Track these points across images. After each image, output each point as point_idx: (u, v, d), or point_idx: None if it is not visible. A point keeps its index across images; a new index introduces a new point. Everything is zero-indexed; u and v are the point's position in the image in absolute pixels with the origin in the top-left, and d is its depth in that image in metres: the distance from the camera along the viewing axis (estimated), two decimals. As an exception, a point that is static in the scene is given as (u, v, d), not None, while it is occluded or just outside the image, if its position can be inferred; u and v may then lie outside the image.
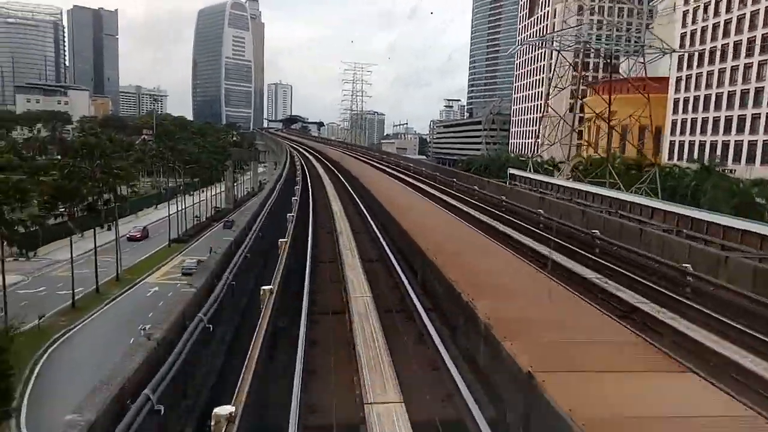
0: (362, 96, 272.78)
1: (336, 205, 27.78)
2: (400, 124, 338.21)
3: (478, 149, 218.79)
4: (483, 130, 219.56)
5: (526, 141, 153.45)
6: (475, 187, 36.99)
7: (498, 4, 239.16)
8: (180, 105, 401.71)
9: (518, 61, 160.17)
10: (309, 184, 35.99)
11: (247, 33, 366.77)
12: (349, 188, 36.20)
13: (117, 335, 33.28)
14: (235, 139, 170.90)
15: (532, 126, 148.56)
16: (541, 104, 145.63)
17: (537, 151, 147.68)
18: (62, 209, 52.30)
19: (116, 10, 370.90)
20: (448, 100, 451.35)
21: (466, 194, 35.57)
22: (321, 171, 46.98)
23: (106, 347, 30.27)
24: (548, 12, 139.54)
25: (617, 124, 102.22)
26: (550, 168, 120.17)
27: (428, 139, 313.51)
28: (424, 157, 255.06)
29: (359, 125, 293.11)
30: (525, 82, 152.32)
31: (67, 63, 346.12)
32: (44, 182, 53.12)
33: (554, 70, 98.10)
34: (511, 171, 67.25)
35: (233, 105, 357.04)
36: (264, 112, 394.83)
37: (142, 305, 42.31)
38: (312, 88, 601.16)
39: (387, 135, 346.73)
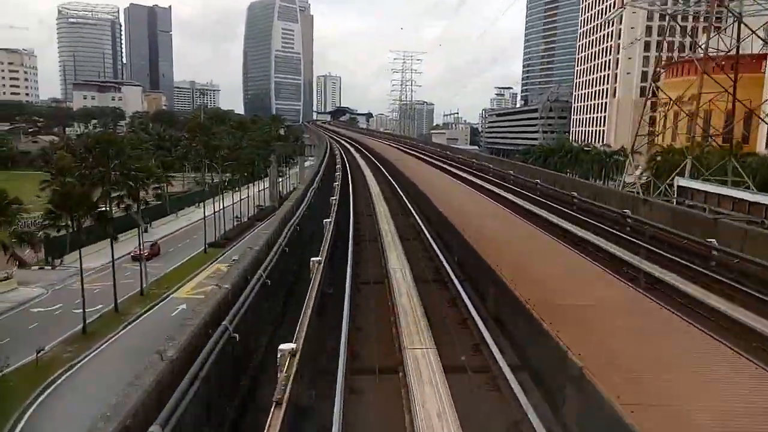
0: (411, 85, 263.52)
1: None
2: (450, 114, 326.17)
3: (534, 138, 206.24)
4: (540, 118, 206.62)
5: (590, 129, 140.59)
6: (574, 194, 27.39)
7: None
8: (232, 99, 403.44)
9: (581, 43, 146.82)
10: (350, 192, 27.82)
11: (296, 25, 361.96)
12: (401, 194, 27.76)
13: (128, 370, 26.13)
14: (282, 132, 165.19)
15: (598, 112, 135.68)
16: (607, 89, 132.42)
17: (603, 140, 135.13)
18: (67, 221, 45.37)
19: (170, 6, 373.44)
20: (500, 88, 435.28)
21: (565, 204, 26.20)
22: (368, 174, 38.39)
23: (113, 387, 23.14)
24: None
25: (698, 107, 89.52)
26: (622, 159, 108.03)
27: (480, 129, 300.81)
28: (476, 147, 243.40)
29: (408, 115, 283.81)
30: (589, 65, 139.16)
31: (124, 60, 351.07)
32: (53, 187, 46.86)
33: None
34: (681, 183, 43.26)
35: (283, 98, 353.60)
36: (313, 104, 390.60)
37: (164, 327, 34.99)
38: (361, 80, 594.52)
39: (436, 125, 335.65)
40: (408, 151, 62.67)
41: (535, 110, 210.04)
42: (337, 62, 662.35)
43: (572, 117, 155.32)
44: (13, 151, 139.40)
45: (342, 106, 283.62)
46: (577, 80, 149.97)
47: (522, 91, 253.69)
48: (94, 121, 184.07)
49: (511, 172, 41.00)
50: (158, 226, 71.50)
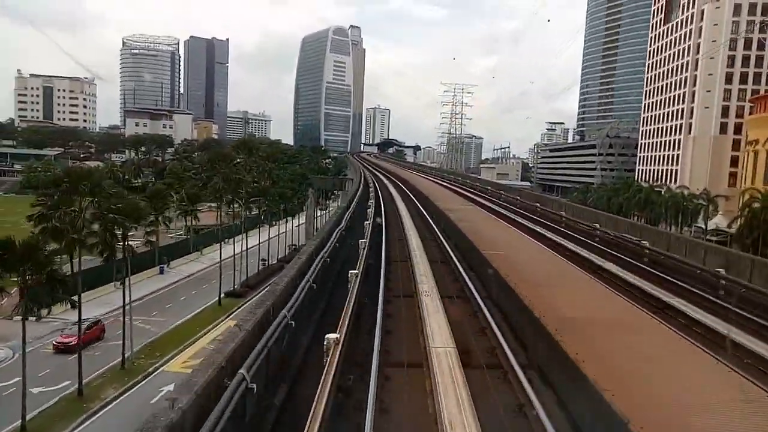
0: (461, 118, 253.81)
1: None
2: (501, 148, 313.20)
3: (590, 176, 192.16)
4: (598, 154, 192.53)
5: (659, 168, 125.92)
6: (644, 243, 16.61)
7: (614, 20, 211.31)
8: (283, 130, 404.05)
9: (650, 75, 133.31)
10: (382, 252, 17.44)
11: (347, 58, 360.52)
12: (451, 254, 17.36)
13: None
14: (328, 163, 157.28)
15: (669, 150, 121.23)
16: (681, 124, 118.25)
17: (675, 180, 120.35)
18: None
19: (227, 39, 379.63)
20: (551, 123, 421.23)
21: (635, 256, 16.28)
22: (407, 224, 27.29)
23: None
24: (693, 14, 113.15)
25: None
26: (703, 204, 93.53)
27: (530, 164, 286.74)
28: (527, 183, 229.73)
29: (457, 149, 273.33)
30: (660, 98, 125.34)
31: (181, 90, 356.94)
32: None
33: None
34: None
35: (332, 129, 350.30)
36: (362, 136, 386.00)
37: (136, 421, 24.28)
38: (410, 113, 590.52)
39: (485, 159, 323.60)
40: (455, 189, 52.10)
41: (593, 146, 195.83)
42: (387, 95, 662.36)
43: (638, 154, 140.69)
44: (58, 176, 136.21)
45: (389, 138, 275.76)
46: (645, 114, 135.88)
47: (577, 126, 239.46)
48: (143, 148, 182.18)
49: (563, 213, 33.25)
50: (177, 266, 62.57)
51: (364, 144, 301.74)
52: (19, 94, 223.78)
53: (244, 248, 57.92)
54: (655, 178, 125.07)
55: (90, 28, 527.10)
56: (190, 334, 40.59)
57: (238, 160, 66.45)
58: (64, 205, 31.81)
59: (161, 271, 58.35)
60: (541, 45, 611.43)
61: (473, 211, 34.25)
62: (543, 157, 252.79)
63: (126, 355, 34.53)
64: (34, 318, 43.73)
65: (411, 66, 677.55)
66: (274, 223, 73.92)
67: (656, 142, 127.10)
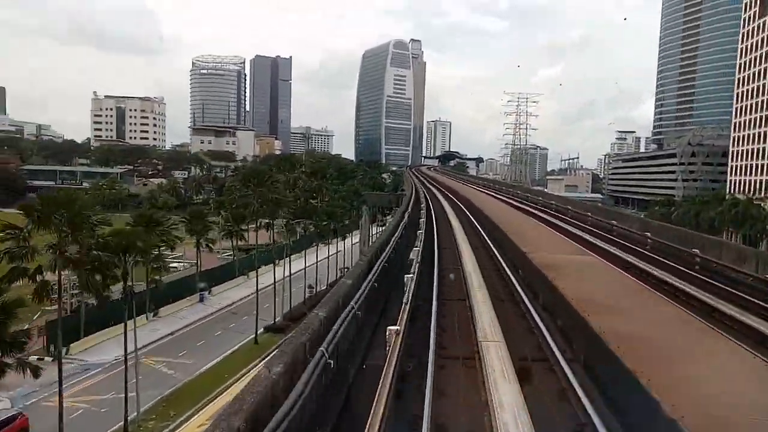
0: (526, 129, 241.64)
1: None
2: (569, 159, 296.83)
3: (670, 187, 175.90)
4: (678, 164, 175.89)
5: (758, 178, 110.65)
6: None
7: (694, 19, 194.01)
8: (345, 144, 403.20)
9: (742, 75, 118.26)
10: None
11: (408, 71, 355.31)
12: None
13: None
14: (387, 178, 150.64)
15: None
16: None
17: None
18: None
19: (290, 57, 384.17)
20: (621, 132, 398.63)
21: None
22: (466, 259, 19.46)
23: None
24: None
25: None
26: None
27: (601, 175, 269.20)
28: (599, 195, 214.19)
29: (521, 160, 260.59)
30: (757, 100, 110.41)
31: (247, 107, 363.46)
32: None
33: None
34: None
35: (392, 143, 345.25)
36: (423, 149, 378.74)
37: None
38: (471, 125, 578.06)
39: (552, 171, 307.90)
40: (517, 205, 43.24)
41: (672, 155, 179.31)
42: (448, 108, 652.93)
43: (729, 163, 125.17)
44: (122, 194, 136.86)
45: (450, 150, 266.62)
46: (738, 119, 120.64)
47: (653, 135, 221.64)
48: (206, 165, 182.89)
49: (649, 234, 25.83)
50: (220, 293, 56.84)
51: (425, 157, 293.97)
52: (95, 115, 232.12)
53: (289, 273, 51.28)
54: (753, 189, 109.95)
55: (167, 51, 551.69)
56: (214, 385, 33.91)
57: (277, 178, 59.91)
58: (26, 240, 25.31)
59: (201, 299, 52.82)
60: (607, 53, 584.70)
61: (543, 233, 26.07)
62: (615, 168, 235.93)
63: (131, 417, 28.12)
64: (51, 358, 38.59)
65: (472, 78, 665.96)
66: (327, 242, 67.35)
67: (754, 149, 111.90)
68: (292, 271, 56.15)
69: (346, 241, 73.02)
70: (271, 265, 61.13)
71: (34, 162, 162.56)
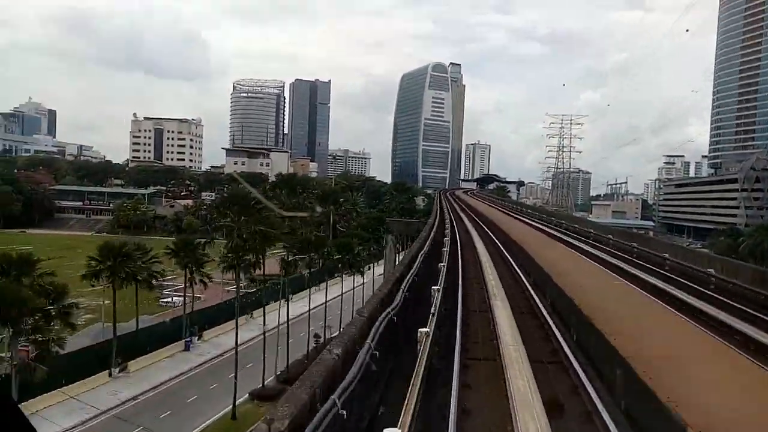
0: (570, 152, 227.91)
1: None
2: (615, 183, 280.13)
3: (731, 215, 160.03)
4: (741, 190, 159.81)
5: None
6: None
7: (754, 39, 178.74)
8: (382, 168, 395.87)
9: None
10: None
11: (446, 94, 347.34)
12: None
13: None
14: (422, 202, 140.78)
15: None
16: None
17: None
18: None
19: (329, 81, 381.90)
20: (669, 156, 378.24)
21: None
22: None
23: None
24: None
25: None
26: None
27: (650, 201, 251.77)
28: (650, 223, 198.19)
29: (564, 184, 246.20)
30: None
31: (285, 130, 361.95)
32: None
33: None
34: None
35: (429, 166, 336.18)
36: (461, 172, 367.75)
37: None
38: (510, 149, 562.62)
39: (597, 196, 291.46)
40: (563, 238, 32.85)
41: (734, 180, 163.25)
42: (487, 132, 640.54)
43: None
44: (147, 215, 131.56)
45: (489, 173, 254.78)
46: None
47: (709, 159, 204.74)
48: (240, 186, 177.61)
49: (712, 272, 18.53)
50: (213, 337, 47.66)
51: (462, 180, 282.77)
52: (134, 136, 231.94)
53: (287, 320, 41.77)
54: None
55: (216, 77, 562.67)
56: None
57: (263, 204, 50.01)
58: None
59: (187, 347, 43.70)
60: (651, 77, 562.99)
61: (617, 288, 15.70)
62: (666, 194, 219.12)
63: None
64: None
65: (511, 103, 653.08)
66: (345, 275, 57.14)
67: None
68: (299, 312, 46.63)
69: (371, 272, 63.50)
70: (284, 301, 51.84)
71: (68, 182, 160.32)
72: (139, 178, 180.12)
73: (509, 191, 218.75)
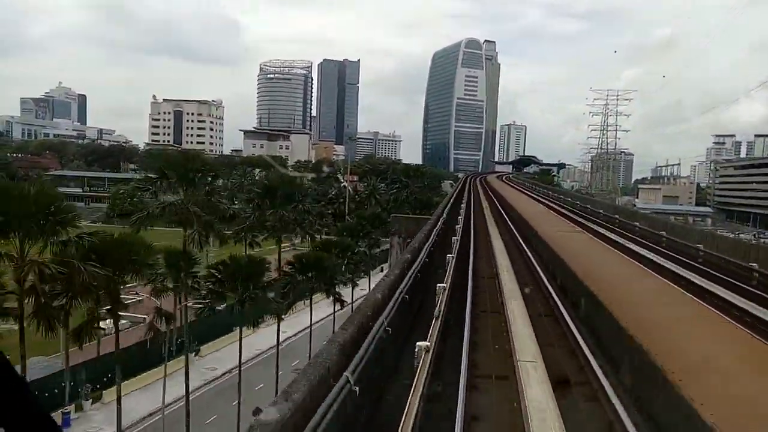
0: (615, 130, 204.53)
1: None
2: (666, 165, 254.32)
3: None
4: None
5: None
6: None
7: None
8: (413, 150, 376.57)
9: None
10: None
11: (480, 72, 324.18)
12: None
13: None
14: (450, 185, 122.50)
15: None
16: None
17: None
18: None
19: (358, 60, 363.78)
20: (719, 135, 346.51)
21: None
22: None
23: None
24: None
25: None
26: None
27: (706, 184, 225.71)
28: (708, 209, 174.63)
29: (606, 166, 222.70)
30: None
31: (314, 112, 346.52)
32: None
33: None
34: None
35: (462, 148, 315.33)
36: (495, 154, 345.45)
37: None
38: (546, 131, 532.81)
39: (643, 179, 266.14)
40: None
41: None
42: (523, 112, 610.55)
43: None
44: (146, 205, 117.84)
45: (526, 155, 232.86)
46: None
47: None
48: (257, 170, 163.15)
49: None
50: (129, 393, 31.61)
51: (497, 162, 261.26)
52: (153, 119, 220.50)
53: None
54: None
55: (248, 61, 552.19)
56: None
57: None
58: None
59: (65, 423, 27.79)
60: (695, 54, 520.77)
61: None
62: (724, 176, 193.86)
63: None
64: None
65: (548, 82, 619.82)
66: (353, 283, 40.94)
67: None
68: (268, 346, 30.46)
69: (375, 278, 47.16)
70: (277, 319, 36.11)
71: (74, 167, 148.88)
72: (151, 163, 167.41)
73: (554, 174, 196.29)
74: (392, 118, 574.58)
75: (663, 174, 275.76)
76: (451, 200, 31.29)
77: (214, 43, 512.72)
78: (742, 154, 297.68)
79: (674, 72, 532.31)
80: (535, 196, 44.92)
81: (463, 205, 29.70)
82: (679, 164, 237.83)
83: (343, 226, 39.86)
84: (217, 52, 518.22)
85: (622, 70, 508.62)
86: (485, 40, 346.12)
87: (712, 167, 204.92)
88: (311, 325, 31.75)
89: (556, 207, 34.36)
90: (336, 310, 34.91)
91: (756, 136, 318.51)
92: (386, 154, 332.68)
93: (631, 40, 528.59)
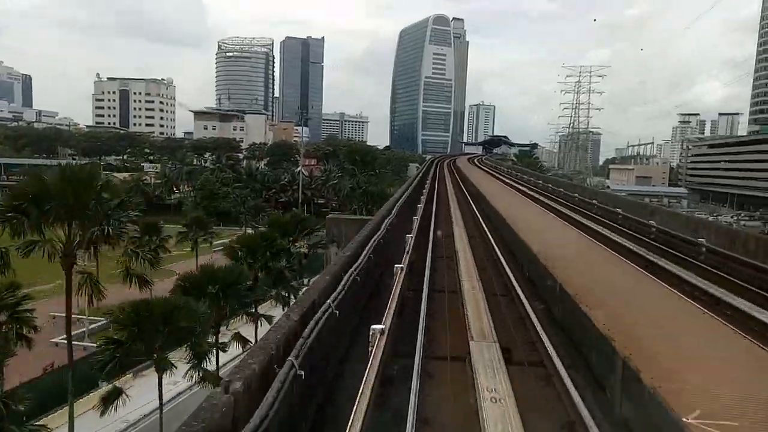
0: (588, 108, 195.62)
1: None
2: (638, 144, 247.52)
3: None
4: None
5: None
6: None
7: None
8: (381, 131, 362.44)
9: None
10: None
11: (448, 49, 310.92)
12: None
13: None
14: (416, 169, 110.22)
15: None
16: None
17: None
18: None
19: (322, 38, 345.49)
20: (684, 114, 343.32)
21: None
22: None
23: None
24: None
25: None
26: None
27: (676, 163, 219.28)
28: (683, 190, 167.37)
29: (579, 146, 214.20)
30: None
31: (276, 93, 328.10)
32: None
33: None
34: None
35: (430, 128, 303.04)
36: (464, 135, 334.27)
37: None
38: (515, 111, 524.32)
39: (613, 159, 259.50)
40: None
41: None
42: (491, 93, 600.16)
43: None
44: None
45: (497, 135, 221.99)
46: None
47: (753, 113, 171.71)
48: (207, 154, 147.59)
49: None
50: None
51: (466, 143, 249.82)
52: (97, 100, 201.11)
53: None
54: None
55: (212, 41, 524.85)
56: None
57: None
58: None
59: None
60: (661, 35, 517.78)
61: None
62: (696, 156, 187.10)
63: None
64: None
65: (516, 62, 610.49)
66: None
67: None
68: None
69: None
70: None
71: (3, 153, 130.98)
72: (88, 147, 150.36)
73: (536, 156, 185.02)
74: (363, 100, 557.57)
75: (631, 154, 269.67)
76: (398, 205, 19.01)
77: (179, 23, 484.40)
78: (707, 133, 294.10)
79: (641, 53, 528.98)
80: (524, 190, 32.83)
81: (418, 216, 17.39)
82: (652, 143, 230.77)
83: (241, 240, 27.07)
84: (181, 33, 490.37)
85: (591, 49, 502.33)
86: (453, 18, 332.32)
87: (684, 146, 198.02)
88: (161, 407, 18.96)
89: (571, 214, 22.24)
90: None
91: (720, 114, 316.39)
92: (353, 136, 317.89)
93: (602, 19, 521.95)
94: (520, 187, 34.00)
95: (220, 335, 23.59)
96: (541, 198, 27.87)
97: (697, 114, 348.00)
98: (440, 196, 28.08)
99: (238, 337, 24.30)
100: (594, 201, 26.38)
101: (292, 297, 25.56)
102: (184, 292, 19.46)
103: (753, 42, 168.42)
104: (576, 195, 30.21)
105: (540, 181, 36.28)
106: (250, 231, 51.58)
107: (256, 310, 25.81)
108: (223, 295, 19.96)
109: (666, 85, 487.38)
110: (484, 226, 18.46)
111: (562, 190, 33.51)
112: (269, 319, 25.54)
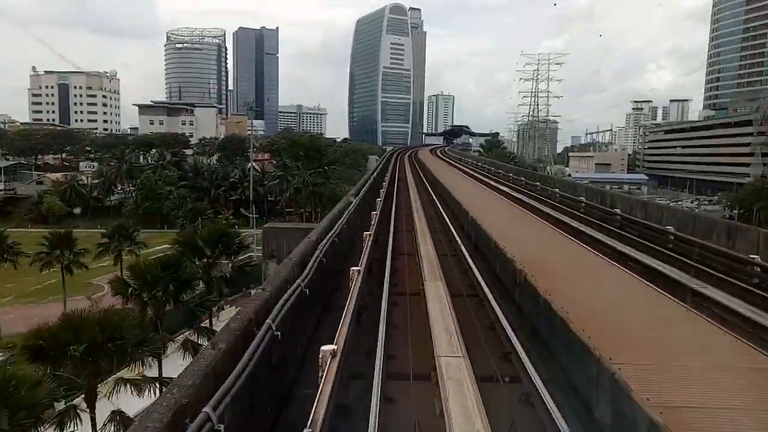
0: (547, 96, 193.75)
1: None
2: (597, 132, 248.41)
3: (742, 163, 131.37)
4: (756, 134, 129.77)
5: None
6: None
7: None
8: (340, 123, 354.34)
9: None
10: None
11: (406, 39, 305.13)
12: None
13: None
14: (375, 162, 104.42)
15: None
16: None
17: None
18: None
19: (277, 28, 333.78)
20: (637, 101, 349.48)
21: None
22: None
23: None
24: None
25: None
26: None
27: (633, 150, 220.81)
28: (644, 177, 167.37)
29: (537, 134, 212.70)
30: None
31: (230, 85, 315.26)
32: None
33: None
34: None
35: (390, 119, 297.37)
36: (423, 126, 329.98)
37: None
38: (473, 102, 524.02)
39: (572, 146, 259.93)
40: None
41: (746, 123, 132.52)
42: (451, 84, 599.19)
43: None
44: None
45: (457, 125, 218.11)
46: None
47: (707, 98, 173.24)
48: (153, 151, 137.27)
49: None
50: None
51: (426, 134, 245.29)
52: (34, 95, 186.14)
53: None
54: None
55: (161, 33, 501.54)
56: None
57: None
58: None
59: None
60: (613, 23, 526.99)
61: None
62: (653, 142, 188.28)
63: None
64: None
65: (473, 53, 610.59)
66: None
67: None
68: None
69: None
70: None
71: None
72: (22, 146, 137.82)
73: (504, 146, 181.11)
74: (321, 92, 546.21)
75: (587, 142, 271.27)
76: (350, 211, 13.32)
77: (126, 15, 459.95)
78: (659, 119, 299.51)
79: (591, 42, 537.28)
80: (499, 187, 27.32)
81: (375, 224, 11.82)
82: (611, 130, 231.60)
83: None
84: (130, 25, 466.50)
85: (545, 40, 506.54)
86: (410, 8, 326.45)
87: (641, 132, 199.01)
88: None
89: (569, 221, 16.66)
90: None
91: (671, 101, 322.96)
92: (311, 129, 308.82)
93: (556, 10, 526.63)
94: (495, 185, 28.49)
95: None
96: (531, 201, 22.32)
97: (650, 101, 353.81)
98: (401, 194, 22.18)
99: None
100: (581, 198, 21.26)
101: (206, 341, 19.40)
102: (34, 355, 13.17)
103: (699, 31, 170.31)
104: (557, 190, 25.02)
105: (522, 178, 30.89)
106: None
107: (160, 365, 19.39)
108: (95, 355, 13.81)
109: (616, 73, 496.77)
110: (474, 271, 12.81)
111: (538, 184, 28.23)
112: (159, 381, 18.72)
